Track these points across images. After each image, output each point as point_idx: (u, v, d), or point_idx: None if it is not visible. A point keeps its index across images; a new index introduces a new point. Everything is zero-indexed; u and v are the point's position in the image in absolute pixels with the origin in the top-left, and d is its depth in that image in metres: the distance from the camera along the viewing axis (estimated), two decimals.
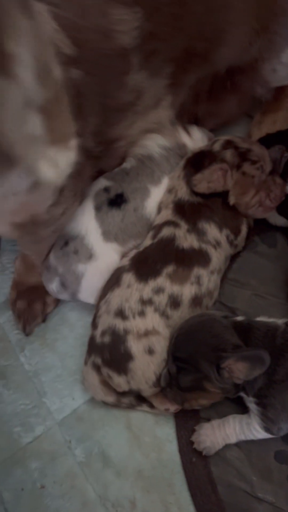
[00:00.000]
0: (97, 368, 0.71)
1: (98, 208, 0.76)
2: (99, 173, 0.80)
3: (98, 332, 0.71)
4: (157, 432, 0.73)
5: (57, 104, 0.50)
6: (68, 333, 0.82)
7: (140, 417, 0.74)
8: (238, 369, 0.61)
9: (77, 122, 0.66)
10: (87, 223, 0.76)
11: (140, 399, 0.73)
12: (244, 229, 0.78)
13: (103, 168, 0.79)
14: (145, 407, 0.73)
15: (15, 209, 0.60)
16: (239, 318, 0.68)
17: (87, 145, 0.71)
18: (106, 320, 0.70)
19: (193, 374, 0.65)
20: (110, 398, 0.73)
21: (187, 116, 0.84)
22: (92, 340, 0.72)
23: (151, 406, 0.73)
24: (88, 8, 0.62)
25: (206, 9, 0.74)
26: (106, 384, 0.72)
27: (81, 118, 0.67)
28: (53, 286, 0.79)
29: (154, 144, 0.81)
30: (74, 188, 0.70)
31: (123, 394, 0.73)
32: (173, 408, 0.71)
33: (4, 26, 0.42)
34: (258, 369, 0.61)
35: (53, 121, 0.49)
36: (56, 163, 0.52)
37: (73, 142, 0.53)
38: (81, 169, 0.72)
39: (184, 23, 0.72)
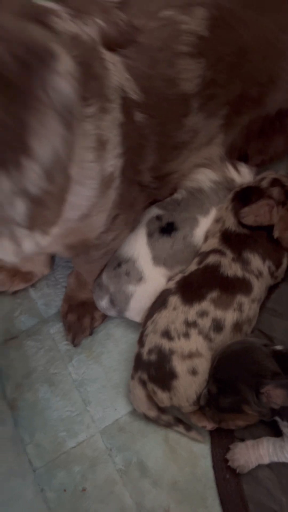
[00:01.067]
0: (143, 383, 0.76)
1: (150, 235, 0.83)
2: (152, 202, 0.86)
3: (145, 350, 0.76)
4: (193, 448, 0.78)
5: (55, 197, 0.45)
6: (113, 348, 0.88)
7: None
8: (276, 395, 0.66)
9: (137, 160, 0.73)
10: (140, 248, 0.82)
11: (178, 420, 0.78)
12: (285, 262, 0.83)
13: (157, 198, 0.86)
14: (181, 429, 0.78)
15: (66, 234, 0.66)
16: (278, 347, 0.72)
17: (143, 180, 0.78)
18: (153, 340, 0.76)
19: (232, 397, 0.69)
20: (152, 413, 0.78)
21: (237, 153, 0.90)
22: (139, 356, 0.78)
23: (187, 429, 0.78)
24: (158, 59, 0.69)
25: (262, 58, 0.81)
26: (151, 399, 0.77)
27: (140, 157, 0.74)
28: (103, 303, 0.85)
29: (205, 178, 0.87)
30: (126, 218, 0.77)
31: (164, 412, 0.78)
32: (209, 426, 0.76)
33: (31, 126, 0.41)
34: None
35: (40, 211, 0.45)
36: (20, 243, 0.47)
37: (53, 230, 0.48)
38: (134, 201, 0.79)
39: (242, 71, 0.79)
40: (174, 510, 0.75)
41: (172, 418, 0.78)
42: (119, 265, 0.83)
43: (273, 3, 0.80)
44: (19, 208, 0.43)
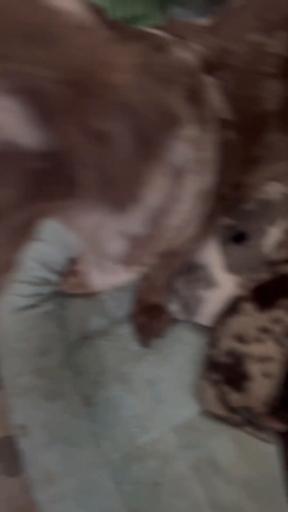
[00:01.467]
0: (215, 384, 0.81)
1: (223, 243, 0.87)
2: (225, 213, 0.91)
3: (218, 352, 0.81)
4: (263, 447, 0.82)
5: (154, 239, 0.49)
6: (182, 350, 0.92)
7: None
8: None
9: (224, 175, 0.77)
10: (213, 255, 0.87)
11: (248, 420, 0.82)
12: None
13: (228, 209, 0.90)
14: (250, 429, 0.82)
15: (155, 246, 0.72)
16: None
17: (223, 192, 0.83)
18: (226, 343, 0.80)
19: None
20: (223, 413, 0.82)
21: None
22: (211, 358, 0.82)
23: (257, 429, 0.81)
24: (245, 80, 0.73)
25: None
26: (221, 399, 0.81)
27: (226, 172, 0.78)
28: (174, 307, 0.90)
29: (274, 191, 0.91)
30: (208, 227, 0.82)
31: (234, 411, 0.82)
32: (281, 427, 0.79)
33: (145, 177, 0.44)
34: None
35: (135, 252, 0.49)
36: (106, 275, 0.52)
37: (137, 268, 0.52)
38: (213, 212, 0.83)
39: None
40: (244, 506, 0.79)
41: (242, 418, 0.82)
42: (192, 271, 0.87)
43: None
44: (116, 246, 0.47)
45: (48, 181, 0.36)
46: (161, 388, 0.89)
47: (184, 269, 0.88)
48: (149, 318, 0.94)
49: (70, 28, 0.35)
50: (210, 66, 0.68)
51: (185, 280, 0.88)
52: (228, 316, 0.83)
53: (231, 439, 0.83)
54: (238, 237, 0.88)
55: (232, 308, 0.84)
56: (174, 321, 0.95)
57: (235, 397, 0.79)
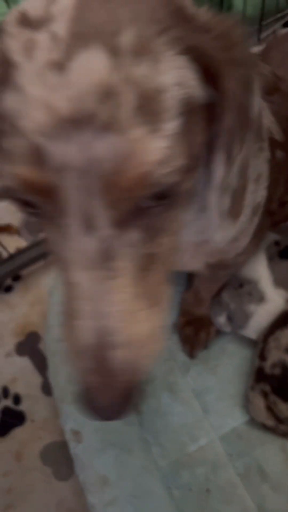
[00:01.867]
0: (264, 394, 0.83)
1: (270, 259, 0.90)
2: (272, 229, 0.94)
3: (268, 364, 0.84)
4: None
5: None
6: (228, 361, 0.96)
7: None
8: None
9: (273, 192, 0.81)
10: (261, 270, 0.90)
11: None
12: None
13: (275, 224, 0.94)
14: None
15: (212, 254, 0.76)
16: None
17: (271, 208, 0.87)
18: (277, 355, 0.83)
19: None
20: (270, 422, 0.85)
21: None
22: (260, 370, 0.85)
23: None
24: None
25: None
26: (270, 409, 0.84)
27: (275, 189, 0.82)
28: (221, 319, 0.93)
29: None
30: (257, 242, 0.85)
31: (282, 422, 0.84)
32: None
33: None
34: None
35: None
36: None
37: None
38: (262, 226, 0.87)
39: None
40: None
41: None
42: (241, 285, 0.90)
43: None
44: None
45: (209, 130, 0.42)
46: (208, 398, 0.93)
47: (233, 282, 0.92)
48: (195, 330, 0.98)
49: None
50: (266, 91, 0.72)
51: (234, 294, 0.91)
52: (278, 330, 0.86)
53: (278, 448, 0.86)
54: (284, 252, 0.91)
55: (282, 322, 0.86)
56: (220, 333, 0.98)
57: (284, 408, 0.81)
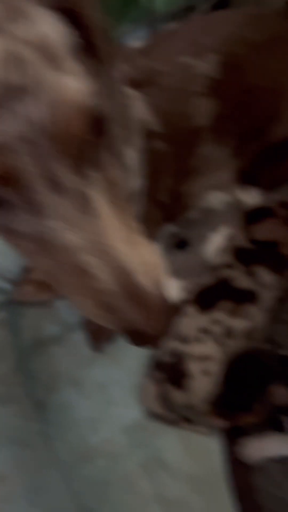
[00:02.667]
0: (157, 382, 0.85)
1: (166, 250, 0.92)
2: (168, 220, 0.96)
3: (162, 352, 0.85)
4: (207, 443, 0.86)
5: None
6: (132, 353, 0.96)
7: None
8: (280, 395, 0.74)
9: (158, 182, 0.83)
10: None
11: (183, 417, 0.86)
12: None
13: (173, 217, 0.96)
14: (186, 425, 0.86)
15: None
16: (284, 352, 0.81)
17: (161, 199, 0.88)
18: (170, 343, 0.85)
19: (242, 396, 0.78)
20: (159, 411, 0.86)
21: (247, 178, 0.99)
22: (156, 358, 0.86)
23: (192, 424, 0.86)
24: (175, 98, 0.79)
25: (269, 96, 0.91)
26: (160, 398, 0.85)
27: (161, 179, 0.84)
28: None
29: (216, 200, 0.97)
30: (149, 233, 0.87)
31: (171, 410, 0.86)
32: (221, 423, 0.83)
33: None
34: None
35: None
36: None
37: None
38: (153, 217, 0.89)
39: (249, 107, 0.89)
40: (190, 500, 0.82)
41: (178, 416, 0.86)
42: None
43: (279, 49, 0.90)
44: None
45: None
46: (111, 391, 0.93)
47: None
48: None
49: None
50: (136, 83, 0.74)
51: None
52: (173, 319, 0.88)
53: (177, 437, 0.87)
54: (181, 244, 0.93)
55: (177, 311, 0.88)
56: None
57: (177, 395, 0.83)
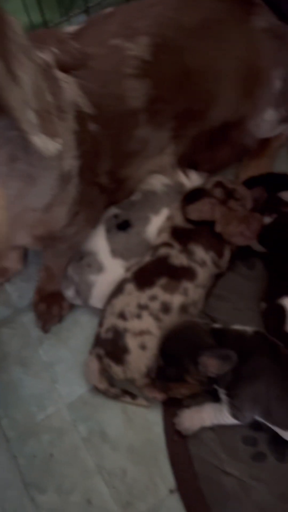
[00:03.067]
0: (99, 358, 0.87)
1: (108, 231, 0.94)
2: (112, 203, 0.98)
3: (103, 329, 0.88)
4: (147, 416, 0.89)
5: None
6: (79, 333, 0.99)
7: None
8: (211, 365, 0.77)
9: (95, 164, 0.85)
10: (99, 242, 0.94)
11: (125, 391, 0.90)
12: (227, 253, 0.95)
13: (117, 200, 0.98)
14: (127, 399, 0.89)
15: (34, 224, 0.79)
16: (216, 325, 0.84)
17: (101, 182, 0.90)
18: (110, 320, 0.87)
19: (176, 367, 0.80)
20: (102, 386, 0.88)
21: (187, 161, 1.02)
22: (98, 335, 0.89)
23: (133, 398, 0.89)
24: (107, 80, 0.81)
25: (203, 79, 0.93)
26: (103, 372, 0.88)
27: (98, 162, 0.86)
28: (69, 293, 0.96)
29: (158, 182, 0.99)
30: (87, 215, 0.88)
31: (113, 385, 0.89)
32: (159, 396, 0.86)
33: None
34: (227, 365, 0.77)
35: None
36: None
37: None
38: (94, 200, 0.91)
39: (185, 90, 0.91)
40: (130, 470, 0.85)
41: (120, 390, 0.89)
42: (81, 258, 0.94)
43: (212, 32, 0.93)
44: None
45: None
46: (58, 369, 0.96)
47: (75, 256, 0.95)
48: (49, 305, 1.01)
49: None
50: (67, 66, 0.76)
51: (76, 267, 0.94)
52: (113, 297, 0.90)
53: (119, 410, 0.90)
54: (123, 225, 0.95)
55: (117, 289, 0.91)
56: (74, 306, 1.02)
57: (117, 370, 0.86)
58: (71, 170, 0.76)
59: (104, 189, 0.91)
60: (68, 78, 0.76)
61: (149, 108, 0.88)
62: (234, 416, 0.80)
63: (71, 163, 0.76)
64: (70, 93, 0.76)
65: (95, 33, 0.84)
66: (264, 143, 1.06)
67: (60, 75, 0.75)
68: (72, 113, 0.75)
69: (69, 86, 0.76)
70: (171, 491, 0.83)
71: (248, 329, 0.83)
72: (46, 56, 0.74)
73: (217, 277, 0.97)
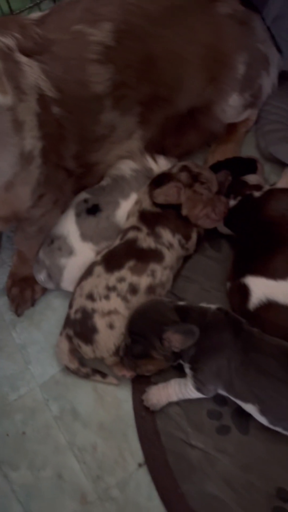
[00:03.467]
0: (69, 339, 0.90)
1: (78, 215, 0.96)
2: (83, 188, 1.00)
3: (73, 310, 0.90)
4: (117, 394, 0.92)
5: None
6: (52, 315, 1.01)
7: None
8: (175, 340, 0.80)
9: (60, 148, 0.87)
10: (69, 226, 0.96)
11: (95, 370, 0.92)
12: (194, 236, 0.97)
13: (87, 185, 1.00)
14: (98, 377, 0.92)
15: None
16: (181, 303, 0.86)
17: (68, 166, 0.92)
18: (79, 302, 0.89)
19: (142, 344, 0.83)
20: (73, 366, 0.91)
21: (156, 147, 1.03)
22: (67, 316, 0.91)
23: (103, 376, 0.91)
24: (71, 65, 0.83)
25: (168, 64, 0.95)
26: (73, 352, 0.90)
27: (63, 145, 0.87)
28: (41, 277, 0.98)
29: (126, 167, 1.01)
30: (53, 198, 0.90)
31: (83, 365, 0.91)
32: (128, 374, 0.89)
33: None
34: (190, 340, 0.79)
35: None
36: None
37: None
38: (61, 184, 0.92)
39: (150, 75, 0.93)
40: (100, 446, 0.88)
41: (90, 370, 0.91)
42: (52, 241, 0.96)
43: (176, 19, 0.95)
44: None
45: None
46: (31, 351, 0.98)
47: (46, 241, 0.97)
48: (22, 289, 1.03)
49: None
50: (29, 51, 0.78)
51: (47, 251, 0.96)
52: (83, 279, 0.92)
53: (91, 389, 0.93)
54: (92, 210, 0.97)
55: (87, 272, 0.93)
56: (47, 290, 1.04)
57: (86, 350, 0.88)
58: (33, 150, 0.78)
59: (71, 173, 0.93)
60: (31, 62, 0.78)
61: (114, 93, 0.90)
62: (198, 390, 0.82)
63: (32, 143, 0.78)
64: (32, 77, 0.77)
65: (59, 19, 0.85)
66: (231, 128, 1.09)
67: (23, 59, 0.76)
68: (34, 95, 0.77)
69: (32, 70, 0.78)
70: (140, 465, 0.86)
71: (212, 306, 0.85)
72: (7, 40, 0.75)
73: (185, 259, 1.00)
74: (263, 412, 0.79)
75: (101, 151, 0.97)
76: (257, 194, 0.93)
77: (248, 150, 1.12)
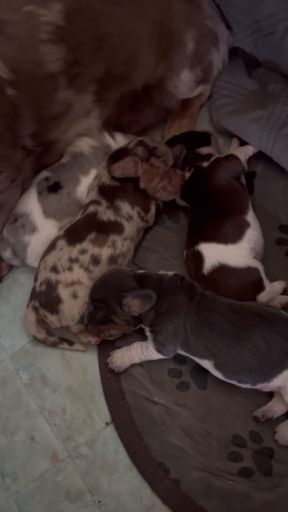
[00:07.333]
0: (35, 310, 0.94)
1: (40, 193, 1.00)
2: (44, 167, 1.03)
3: (38, 283, 0.94)
4: (84, 359, 0.97)
5: None
6: (19, 290, 1.05)
7: None
8: (134, 305, 0.85)
9: (15, 127, 0.89)
10: (32, 204, 0.99)
11: (62, 339, 0.97)
12: (152, 208, 1.02)
13: (47, 163, 1.03)
14: (65, 345, 0.96)
15: None
16: (140, 271, 0.92)
17: (26, 145, 0.95)
18: (43, 274, 0.94)
19: (104, 310, 0.88)
20: (40, 335, 0.96)
21: (113, 124, 1.07)
22: (33, 289, 0.95)
23: (70, 344, 0.96)
24: (24, 46, 0.86)
25: (121, 42, 0.98)
26: (40, 323, 0.95)
27: (19, 124, 0.90)
28: (6, 254, 1.02)
29: (85, 144, 1.05)
30: (11, 176, 0.92)
31: (50, 334, 0.96)
32: (93, 340, 0.94)
33: None
34: (148, 304, 0.85)
35: None
36: None
37: None
38: (19, 162, 0.95)
39: (103, 53, 0.96)
40: (69, 408, 0.94)
41: (57, 338, 0.96)
42: (15, 220, 1.00)
43: None
44: None
45: None
46: (0, 324, 1.02)
47: (9, 219, 1.00)
48: None
49: None
50: None
51: (11, 229, 1.00)
52: (47, 253, 0.96)
53: (59, 356, 0.98)
54: (53, 187, 1.00)
55: (50, 246, 0.97)
56: (13, 266, 1.08)
57: (52, 319, 0.93)
58: None
59: (30, 152, 0.96)
60: None
61: (68, 71, 0.93)
62: (159, 351, 0.88)
63: None
64: None
65: (8, 0, 0.88)
66: (185, 104, 1.13)
67: None
68: None
69: None
70: (107, 424, 0.92)
71: (169, 273, 0.91)
72: None
73: (146, 231, 1.05)
74: (217, 366, 0.85)
75: (59, 129, 1.00)
76: (205, 164, 0.98)
77: (203, 125, 1.16)
